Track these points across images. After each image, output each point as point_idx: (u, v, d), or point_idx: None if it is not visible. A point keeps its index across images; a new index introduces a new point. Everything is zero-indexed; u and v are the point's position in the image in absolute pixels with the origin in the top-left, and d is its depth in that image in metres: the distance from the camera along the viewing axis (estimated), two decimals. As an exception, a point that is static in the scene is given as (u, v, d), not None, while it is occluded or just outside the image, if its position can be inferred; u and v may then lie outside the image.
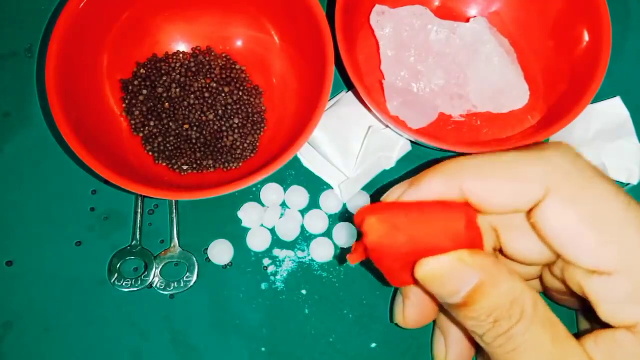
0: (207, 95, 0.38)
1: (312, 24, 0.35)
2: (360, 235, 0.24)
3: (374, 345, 0.35)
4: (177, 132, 0.38)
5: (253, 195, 0.38)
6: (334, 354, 0.35)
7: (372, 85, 0.40)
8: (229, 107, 0.38)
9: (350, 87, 0.40)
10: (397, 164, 0.39)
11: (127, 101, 0.38)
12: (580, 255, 0.23)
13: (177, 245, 0.37)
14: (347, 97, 0.39)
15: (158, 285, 0.36)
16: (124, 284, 0.36)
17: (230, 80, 0.39)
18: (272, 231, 0.38)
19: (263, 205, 0.38)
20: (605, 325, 0.24)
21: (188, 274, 0.36)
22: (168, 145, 0.38)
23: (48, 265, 0.36)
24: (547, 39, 0.40)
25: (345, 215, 0.38)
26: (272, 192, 0.38)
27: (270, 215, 0.37)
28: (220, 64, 0.39)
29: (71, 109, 0.33)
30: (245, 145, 0.38)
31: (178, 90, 0.38)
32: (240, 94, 0.39)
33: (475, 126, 0.39)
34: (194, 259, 0.37)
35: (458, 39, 0.39)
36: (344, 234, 0.37)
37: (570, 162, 0.24)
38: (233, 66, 0.39)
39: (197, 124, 0.38)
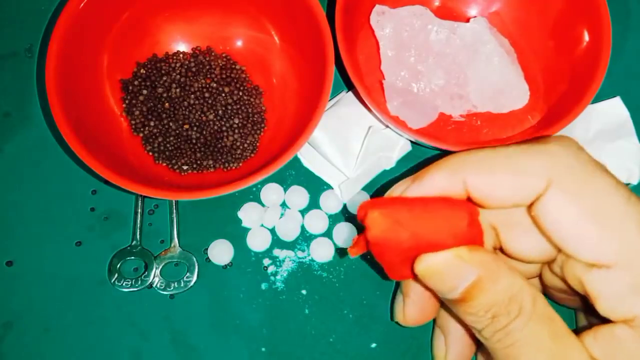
0: (207, 95, 0.38)
1: (312, 24, 0.35)
2: (361, 229, 0.24)
3: (374, 345, 0.35)
4: (177, 132, 0.38)
5: (253, 195, 0.38)
6: (334, 354, 0.35)
7: (372, 85, 0.40)
8: (229, 107, 0.38)
9: (350, 87, 0.40)
10: (397, 164, 0.39)
11: (127, 101, 0.38)
12: (580, 248, 0.24)
13: (177, 245, 0.37)
14: (347, 97, 0.39)
15: (158, 285, 0.36)
16: (124, 284, 0.36)
17: (230, 80, 0.39)
18: (272, 231, 0.38)
19: (263, 205, 0.38)
20: (605, 321, 0.24)
21: (188, 274, 0.36)
22: (168, 145, 0.38)
23: (48, 265, 0.36)
24: (547, 39, 0.40)
25: (345, 215, 0.38)
26: (272, 192, 0.38)
27: (270, 215, 0.37)
28: (220, 64, 0.39)
29: (71, 109, 0.33)
30: (245, 145, 0.38)
31: (178, 90, 0.38)
32: (240, 94, 0.39)
33: (475, 126, 0.39)
34: (194, 259, 0.37)
35: (458, 39, 0.39)
36: (344, 234, 0.37)
37: (572, 155, 0.24)
38: (233, 66, 0.39)
39: (197, 124, 0.38)
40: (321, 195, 0.38)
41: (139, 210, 0.38)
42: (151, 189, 0.32)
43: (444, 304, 0.30)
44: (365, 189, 0.38)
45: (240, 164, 0.38)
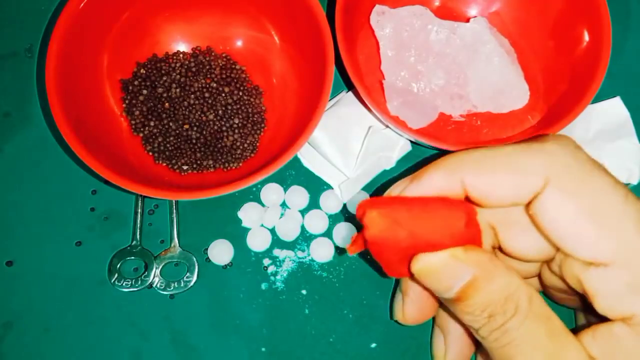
0: (207, 95, 0.38)
1: (312, 24, 0.35)
2: (360, 229, 0.24)
3: (374, 345, 0.35)
4: (177, 132, 0.38)
5: (253, 195, 0.38)
6: (334, 354, 0.35)
7: (372, 85, 0.40)
8: (229, 107, 0.38)
9: (350, 87, 0.40)
10: (397, 164, 0.39)
11: (127, 101, 0.38)
12: (577, 246, 0.24)
13: (177, 245, 0.37)
14: (347, 97, 0.39)
15: (158, 285, 0.36)
16: (124, 284, 0.36)
17: (230, 80, 0.39)
18: (272, 231, 0.38)
19: (263, 205, 0.38)
20: (603, 320, 0.24)
21: (188, 274, 0.36)
22: (168, 145, 0.38)
23: (48, 265, 0.36)
24: (547, 39, 0.40)
25: (345, 215, 0.38)
26: (272, 192, 0.38)
27: (270, 215, 0.37)
28: (220, 64, 0.39)
29: (71, 109, 0.33)
30: (245, 145, 0.38)
31: (178, 90, 0.38)
32: (240, 94, 0.39)
33: (475, 126, 0.39)
34: (194, 259, 0.37)
35: (458, 39, 0.39)
36: (344, 234, 0.37)
37: (570, 154, 0.24)
38: (233, 66, 0.39)
39: (197, 124, 0.38)
40: (321, 195, 0.38)
41: (139, 210, 0.38)
42: (151, 189, 0.32)
43: (443, 304, 0.30)
44: (365, 189, 0.38)
45: (240, 164, 0.38)
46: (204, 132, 0.38)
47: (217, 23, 0.40)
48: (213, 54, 0.40)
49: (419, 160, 0.39)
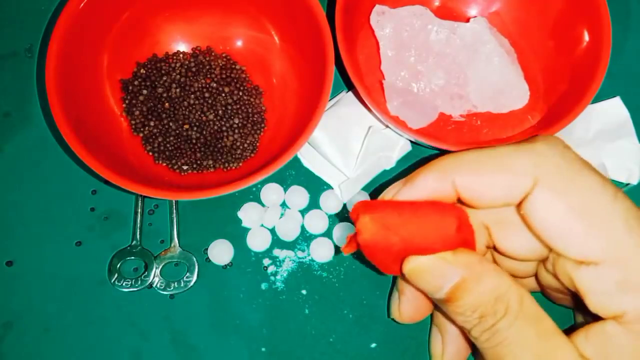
0: (207, 95, 0.38)
1: (312, 24, 0.35)
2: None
3: (374, 345, 0.35)
4: (177, 132, 0.38)
5: (253, 195, 0.38)
6: (334, 354, 0.35)
7: (372, 85, 0.40)
8: (229, 107, 0.38)
9: (350, 87, 0.40)
10: (397, 164, 0.39)
11: (127, 101, 0.38)
12: (568, 245, 0.24)
13: (177, 245, 0.37)
14: (347, 97, 0.39)
15: (158, 285, 0.36)
16: (124, 284, 0.36)
17: (230, 80, 0.39)
18: (272, 231, 0.38)
19: (263, 205, 0.38)
20: (596, 319, 0.24)
21: (188, 274, 0.36)
22: (168, 145, 0.38)
23: (48, 265, 0.36)
24: (547, 39, 0.40)
25: (345, 215, 0.38)
26: (272, 192, 0.38)
27: (270, 215, 0.37)
28: (220, 64, 0.39)
29: (71, 109, 0.33)
30: (245, 145, 0.38)
31: (178, 90, 0.38)
32: (240, 94, 0.39)
33: (475, 126, 0.39)
34: (194, 259, 0.37)
35: (458, 39, 0.39)
36: (344, 234, 0.37)
37: (558, 154, 0.25)
38: (233, 66, 0.39)
39: (197, 124, 0.38)
40: (321, 195, 0.38)
41: (139, 210, 0.38)
42: (151, 189, 0.32)
43: (438, 306, 0.30)
44: (365, 189, 0.38)
45: (240, 164, 0.38)
46: (204, 132, 0.38)
47: (217, 23, 0.40)
48: (213, 54, 0.40)
49: (418, 160, 0.39)
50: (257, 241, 0.37)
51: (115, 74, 0.38)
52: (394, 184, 0.27)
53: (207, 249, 0.37)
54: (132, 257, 0.37)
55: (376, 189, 0.39)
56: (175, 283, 0.36)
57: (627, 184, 0.38)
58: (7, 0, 0.43)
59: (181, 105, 0.38)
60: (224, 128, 0.38)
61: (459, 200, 0.26)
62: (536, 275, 0.30)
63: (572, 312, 0.33)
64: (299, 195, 0.38)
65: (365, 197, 0.38)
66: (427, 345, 0.35)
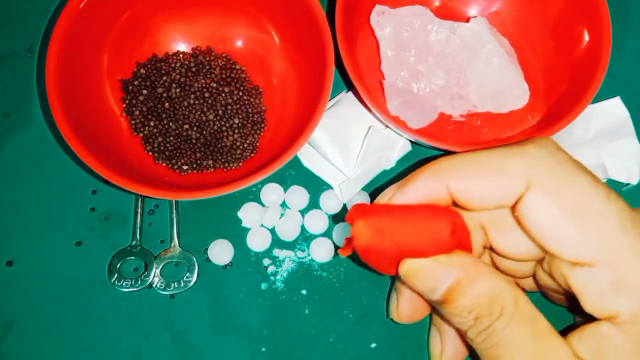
0: (207, 95, 0.38)
1: (312, 24, 0.35)
2: None
3: (374, 345, 0.35)
4: (177, 132, 0.38)
5: (253, 195, 0.38)
6: (334, 354, 0.35)
7: (372, 85, 0.40)
8: (229, 107, 0.38)
9: (350, 87, 0.40)
10: (397, 164, 0.39)
11: (127, 101, 0.38)
12: (562, 247, 0.24)
13: (177, 245, 0.37)
14: (347, 97, 0.39)
15: (158, 285, 0.36)
16: (124, 284, 0.36)
17: (230, 80, 0.39)
18: (272, 231, 0.38)
19: (263, 205, 0.38)
20: (592, 319, 0.24)
21: (188, 274, 0.36)
22: (168, 145, 0.38)
23: (48, 265, 0.36)
24: (547, 39, 0.40)
25: (345, 215, 0.38)
26: (272, 192, 0.38)
27: (270, 215, 0.37)
28: (220, 64, 0.39)
29: (71, 109, 0.33)
30: (245, 145, 0.38)
31: (178, 90, 0.38)
32: (240, 94, 0.39)
33: (475, 126, 0.39)
34: (194, 259, 0.37)
35: (458, 39, 0.39)
36: (343, 234, 0.37)
37: (550, 155, 0.25)
38: (233, 66, 0.39)
39: (197, 124, 0.38)
40: (321, 195, 0.38)
41: (139, 210, 0.38)
42: (151, 189, 0.32)
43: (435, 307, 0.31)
44: (365, 189, 0.38)
45: (240, 164, 0.38)
46: (204, 132, 0.38)
47: (217, 23, 0.40)
48: (213, 54, 0.40)
49: (418, 160, 0.39)
50: (257, 241, 0.37)
51: (115, 74, 0.38)
52: (389, 187, 0.27)
53: (207, 249, 0.37)
54: (132, 257, 0.37)
55: (376, 189, 0.39)
56: (175, 283, 0.36)
57: (627, 184, 0.38)
58: (7, 0, 0.43)
59: (181, 105, 0.38)
60: (224, 128, 0.38)
61: (454, 203, 0.26)
62: (534, 276, 0.30)
63: (573, 316, 0.33)
64: (299, 195, 0.38)
65: (365, 197, 0.38)
66: (426, 345, 0.35)
